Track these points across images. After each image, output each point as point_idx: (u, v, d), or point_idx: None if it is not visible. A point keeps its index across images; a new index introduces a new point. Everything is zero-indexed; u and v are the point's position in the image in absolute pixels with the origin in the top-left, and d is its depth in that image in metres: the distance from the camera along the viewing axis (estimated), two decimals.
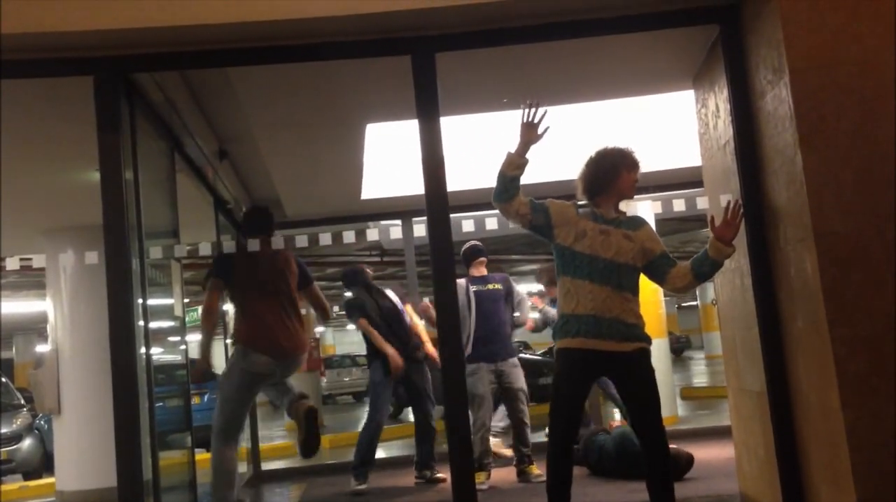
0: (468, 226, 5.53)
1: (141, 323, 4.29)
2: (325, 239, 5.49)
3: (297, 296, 5.61)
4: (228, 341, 6.79)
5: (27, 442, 11.26)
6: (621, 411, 7.25)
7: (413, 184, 4.63)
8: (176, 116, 5.07)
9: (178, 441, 5.63)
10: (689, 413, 11.21)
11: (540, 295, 8.40)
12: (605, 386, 7.05)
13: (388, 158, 6.79)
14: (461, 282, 6.47)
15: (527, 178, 3.88)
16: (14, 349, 25.81)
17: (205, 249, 5.82)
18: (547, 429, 4.14)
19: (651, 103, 5.89)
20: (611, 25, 4.21)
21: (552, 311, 7.26)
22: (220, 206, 7.30)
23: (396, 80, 4.41)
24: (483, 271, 6.84)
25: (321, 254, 14.38)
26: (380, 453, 7.20)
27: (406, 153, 5.25)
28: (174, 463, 5.31)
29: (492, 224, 5.50)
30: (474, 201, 5.69)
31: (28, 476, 11.16)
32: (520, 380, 6.63)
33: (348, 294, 7.49)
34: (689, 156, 5.70)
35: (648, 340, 3.94)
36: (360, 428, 7.09)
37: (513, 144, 3.87)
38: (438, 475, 6.78)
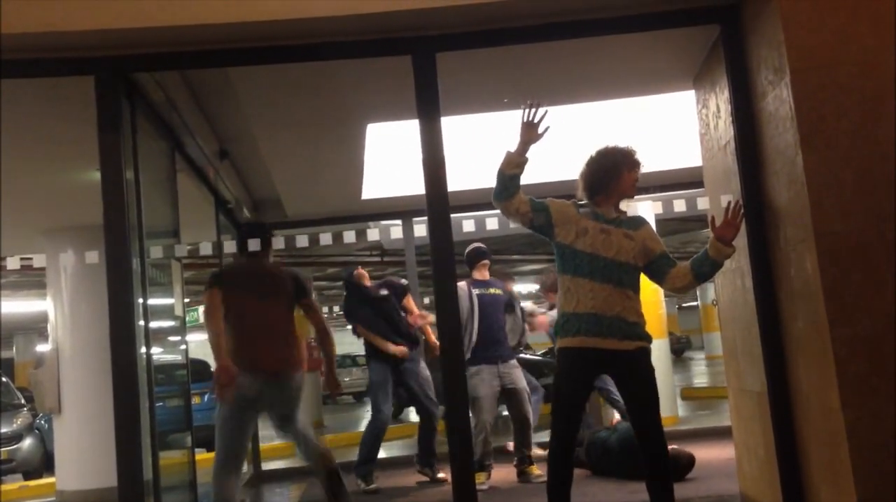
0: (469, 226, 5.53)
1: (141, 322, 4.30)
2: (326, 239, 5.49)
3: (292, 315, 5.13)
4: None
5: (27, 442, 11.26)
6: (621, 413, 7.25)
7: (414, 184, 4.63)
8: (176, 116, 5.07)
9: (178, 441, 5.63)
10: (690, 413, 11.20)
11: (537, 298, 8.42)
12: (604, 385, 7.05)
13: (389, 158, 6.79)
14: (462, 284, 6.47)
15: (527, 178, 3.88)
16: (14, 348, 25.79)
17: (205, 249, 5.82)
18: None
19: (652, 103, 5.89)
20: (611, 25, 4.21)
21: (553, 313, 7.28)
22: (221, 206, 7.30)
23: (397, 80, 4.41)
24: (486, 274, 6.85)
25: (322, 254, 14.38)
26: (381, 453, 7.21)
27: (407, 153, 5.25)
28: (174, 462, 5.31)
29: (492, 224, 5.50)
30: (475, 201, 5.69)
31: (28, 475, 11.15)
32: (522, 381, 6.65)
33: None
34: (689, 156, 5.70)
35: (649, 339, 3.94)
36: (360, 428, 7.10)
37: (513, 144, 3.87)
38: (440, 475, 6.80)
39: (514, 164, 3.84)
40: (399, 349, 6.83)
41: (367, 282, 7.25)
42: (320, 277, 17.70)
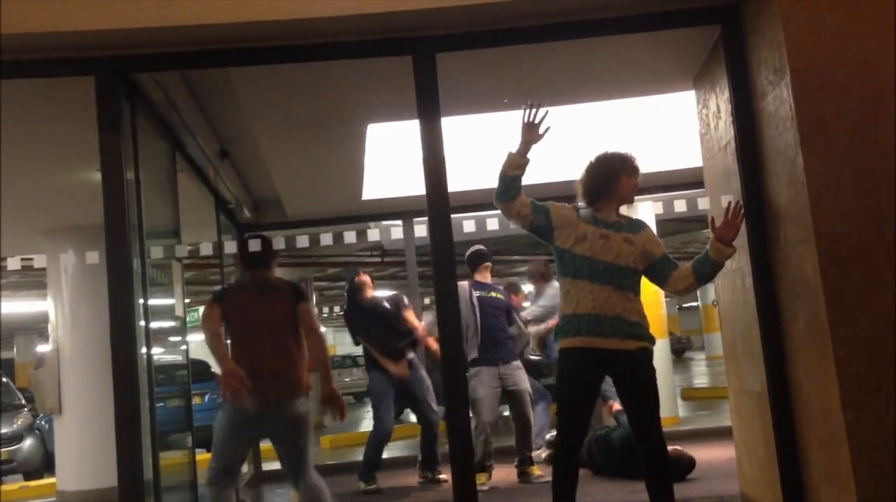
0: (469, 226, 5.52)
1: (142, 323, 4.30)
2: (326, 239, 5.48)
3: (296, 329, 4.70)
4: None
5: (28, 442, 11.25)
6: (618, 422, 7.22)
7: (414, 185, 4.63)
8: (177, 116, 5.07)
9: (178, 441, 5.63)
10: (690, 413, 11.20)
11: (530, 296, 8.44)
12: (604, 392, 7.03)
13: (390, 159, 6.79)
14: (463, 284, 6.48)
15: (528, 179, 3.88)
16: (15, 349, 25.80)
17: (206, 249, 5.81)
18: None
19: (652, 104, 5.89)
20: (612, 26, 4.21)
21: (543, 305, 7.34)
22: (222, 206, 7.31)
23: (398, 81, 4.41)
24: (487, 277, 6.87)
25: (322, 254, 14.37)
26: (382, 453, 7.22)
27: (407, 153, 5.25)
28: (175, 463, 5.31)
29: (493, 224, 5.49)
30: (475, 202, 5.68)
31: (29, 476, 11.15)
32: (524, 382, 6.65)
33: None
34: (690, 156, 5.70)
35: (652, 340, 3.94)
36: (359, 428, 7.14)
37: (514, 145, 3.87)
38: (441, 476, 6.81)
39: (515, 166, 3.84)
40: (399, 370, 6.88)
41: (369, 291, 7.26)
42: (321, 277, 17.68)
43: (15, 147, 5.22)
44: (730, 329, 4.89)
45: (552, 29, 4.19)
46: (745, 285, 4.38)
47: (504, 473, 6.72)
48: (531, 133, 3.83)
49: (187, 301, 6.26)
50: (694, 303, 33.57)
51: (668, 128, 6.40)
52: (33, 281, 13.78)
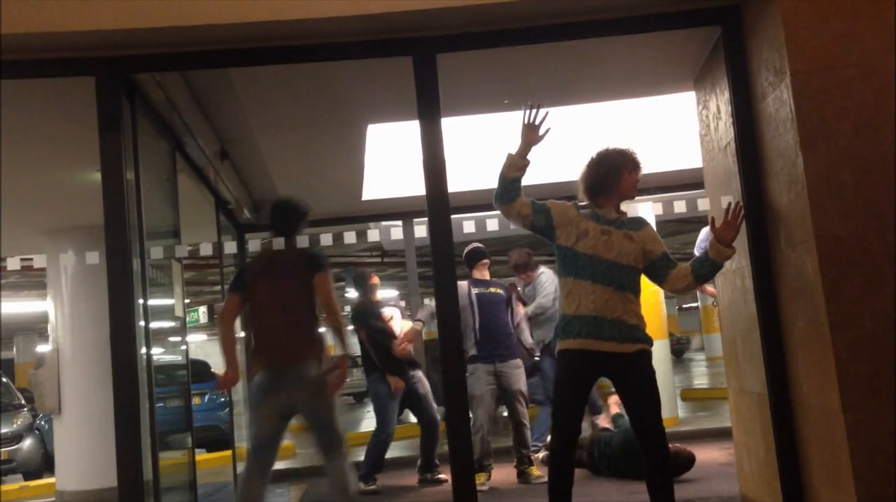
0: (469, 227, 5.53)
1: (142, 323, 4.29)
2: (326, 239, 5.47)
3: (307, 299, 4.71)
4: None
5: (27, 442, 11.25)
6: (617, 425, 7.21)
7: (414, 185, 4.63)
8: (177, 116, 5.06)
9: (178, 441, 5.63)
10: (690, 414, 11.19)
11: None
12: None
13: (390, 159, 6.79)
14: (462, 284, 6.48)
15: (528, 180, 3.88)
16: (15, 349, 25.79)
17: (206, 250, 5.82)
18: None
19: (652, 104, 5.89)
20: (612, 27, 4.21)
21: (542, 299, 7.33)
22: (222, 207, 7.30)
23: (397, 81, 4.41)
24: (485, 274, 6.85)
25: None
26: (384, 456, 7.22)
27: (407, 154, 5.25)
28: (175, 463, 5.30)
29: (493, 225, 5.49)
30: (475, 202, 5.68)
31: (28, 476, 11.14)
32: (519, 382, 6.63)
33: (351, 293, 7.55)
34: (690, 157, 5.70)
35: (650, 342, 3.94)
36: (360, 429, 7.13)
37: (514, 146, 3.87)
38: (440, 476, 6.82)
39: (515, 167, 3.84)
40: (396, 384, 6.92)
41: (377, 295, 7.36)
42: None
43: (15, 147, 5.22)
44: (730, 330, 4.89)
45: (552, 30, 4.19)
46: (745, 286, 4.38)
47: (504, 473, 6.72)
48: (531, 134, 3.83)
49: (187, 301, 6.26)
50: (694, 304, 33.57)
51: (668, 129, 6.40)
52: (33, 281, 13.79)
